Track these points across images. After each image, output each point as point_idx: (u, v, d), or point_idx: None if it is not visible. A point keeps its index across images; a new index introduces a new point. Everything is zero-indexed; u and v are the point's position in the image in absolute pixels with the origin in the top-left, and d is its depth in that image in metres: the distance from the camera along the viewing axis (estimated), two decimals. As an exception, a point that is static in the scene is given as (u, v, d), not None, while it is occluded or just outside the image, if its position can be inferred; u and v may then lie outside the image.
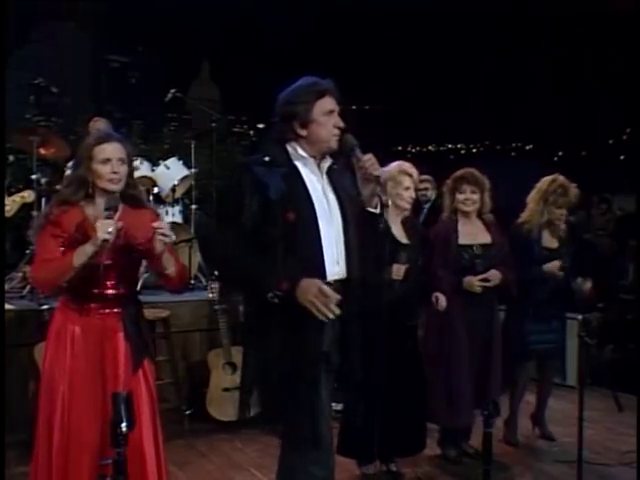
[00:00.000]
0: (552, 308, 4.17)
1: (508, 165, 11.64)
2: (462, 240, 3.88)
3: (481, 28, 10.78)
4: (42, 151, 5.42)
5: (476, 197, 3.89)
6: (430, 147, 14.57)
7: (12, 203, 2.94)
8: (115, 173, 2.58)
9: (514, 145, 13.73)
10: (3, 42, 5.84)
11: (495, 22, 10.58)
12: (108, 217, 2.49)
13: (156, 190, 5.66)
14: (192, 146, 6.04)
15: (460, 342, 3.80)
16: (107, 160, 2.58)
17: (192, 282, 5.55)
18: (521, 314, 4.14)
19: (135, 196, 2.72)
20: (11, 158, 6.04)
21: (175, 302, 4.89)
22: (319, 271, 2.31)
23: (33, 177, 5.15)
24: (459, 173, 3.93)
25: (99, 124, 5.38)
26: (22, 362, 3.99)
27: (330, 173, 2.48)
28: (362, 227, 2.47)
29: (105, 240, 2.43)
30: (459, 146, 14.54)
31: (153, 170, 5.68)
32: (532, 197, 4.19)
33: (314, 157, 2.45)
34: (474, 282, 3.74)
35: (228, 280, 2.48)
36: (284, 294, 2.21)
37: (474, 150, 14.29)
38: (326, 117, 2.41)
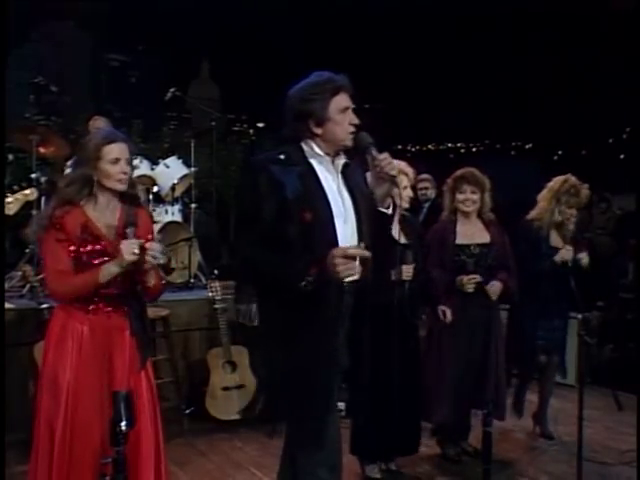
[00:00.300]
0: (555, 307, 4.18)
1: (508, 164, 11.64)
2: (460, 240, 3.88)
3: (481, 27, 10.78)
4: (42, 150, 5.42)
5: (476, 197, 3.89)
6: (430, 146, 14.55)
7: (15, 201, 2.93)
8: (124, 173, 2.60)
9: (514, 144, 13.71)
10: (3, 41, 5.84)
11: (495, 22, 10.57)
12: (130, 235, 2.52)
13: (156, 189, 5.66)
14: (192, 145, 6.03)
15: (456, 341, 3.81)
16: (116, 160, 2.59)
17: (192, 281, 5.56)
18: (525, 313, 4.16)
19: (135, 195, 2.75)
20: (11, 157, 6.03)
21: (175, 301, 4.90)
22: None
23: (33, 176, 5.15)
24: (459, 173, 3.93)
25: (98, 123, 5.37)
26: (22, 361, 3.98)
27: (344, 171, 2.44)
28: (373, 227, 2.44)
29: (131, 261, 2.47)
30: (459, 145, 14.52)
31: (153, 169, 5.68)
32: (544, 196, 4.22)
33: (329, 155, 2.41)
34: (465, 282, 3.74)
35: (256, 279, 2.39)
36: (316, 277, 2.17)
37: (474, 149, 14.27)
38: (342, 115, 2.37)
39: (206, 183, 6.64)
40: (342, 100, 2.38)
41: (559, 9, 9.95)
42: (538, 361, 4.28)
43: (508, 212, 4.21)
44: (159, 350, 4.47)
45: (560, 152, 12.87)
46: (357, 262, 2.17)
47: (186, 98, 7.25)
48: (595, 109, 10.53)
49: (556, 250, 4.14)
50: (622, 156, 11.90)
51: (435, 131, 13.50)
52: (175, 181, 5.70)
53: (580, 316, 3.65)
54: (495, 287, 3.77)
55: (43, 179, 5.21)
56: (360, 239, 2.35)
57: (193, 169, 5.88)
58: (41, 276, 4.85)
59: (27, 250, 5.10)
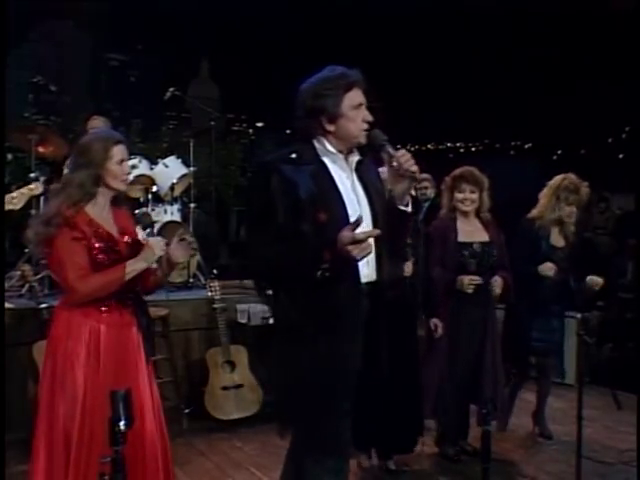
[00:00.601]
0: (552, 306, 4.18)
1: (507, 164, 11.64)
2: (461, 238, 3.88)
3: (480, 27, 10.77)
4: (41, 149, 5.42)
5: (475, 196, 3.89)
6: (429, 145, 14.53)
7: (20, 195, 2.89)
8: (128, 174, 2.68)
9: (513, 144, 13.70)
10: (2, 41, 5.83)
11: (494, 21, 10.56)
12: (150, 234, 2.70)
13: (155, 188, 5.65)
14: (191, 144, 6.03)
15: (454, 340, 3.81)
16: (122, 161, 2.64)
17: (191, 280, 5.56)
18: (521, 312, 4.16)
19: (126, 196, 2.87)
20: (10, 156, 6.03)
21: (174, 301, 4.90)
22: (351, 271, 2.22)
23: (32, 175, 5.14)
24: (458, 172, 3.94)
25: (97, 122, 5.36)
26: (21, 361, 3.98)
27: (358, 168, 2.38)
28: (389, 225, 2.35)
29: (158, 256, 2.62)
30: (458, 144, 14.51)
31: (152, 168, 5.67)
32: (544, 194, 4.24)
33: (342, 152, 2.35)
34: (465, 283, 3.73)
35: (272, 277, 2.33)
36: (331, 264, 2.11)
37: (473, 149, 14.26)
38: (355, 111, 2.30)
39: (205, 183, 6.64)
40: (355, 96, 2.30)
41: (559, 9, 9.95)
42: (534, 361, 4.28)
43: (507, 211, 4.22)
44: (158, 350, 4.46)
45: (559, 152, 12.87)
46: (370, 241, 2.13)
47: (185, 98, 7.24)
48: (595, 109, 10.52)
49: (555, 249, 4.14)
50: (621, 156, 11.89)
51: (434, 130, 13.47)
52: (174, 181, 5.70)
53: (579, 315, 3.66)
54: (498, 281, 3.78)
55: (42, 179, 5.21)
56: (376, 240, 2.26)
57: (192, 169, 5.89)
58: (40, 276, 4.87)
59: (26, 250, 5.09)
